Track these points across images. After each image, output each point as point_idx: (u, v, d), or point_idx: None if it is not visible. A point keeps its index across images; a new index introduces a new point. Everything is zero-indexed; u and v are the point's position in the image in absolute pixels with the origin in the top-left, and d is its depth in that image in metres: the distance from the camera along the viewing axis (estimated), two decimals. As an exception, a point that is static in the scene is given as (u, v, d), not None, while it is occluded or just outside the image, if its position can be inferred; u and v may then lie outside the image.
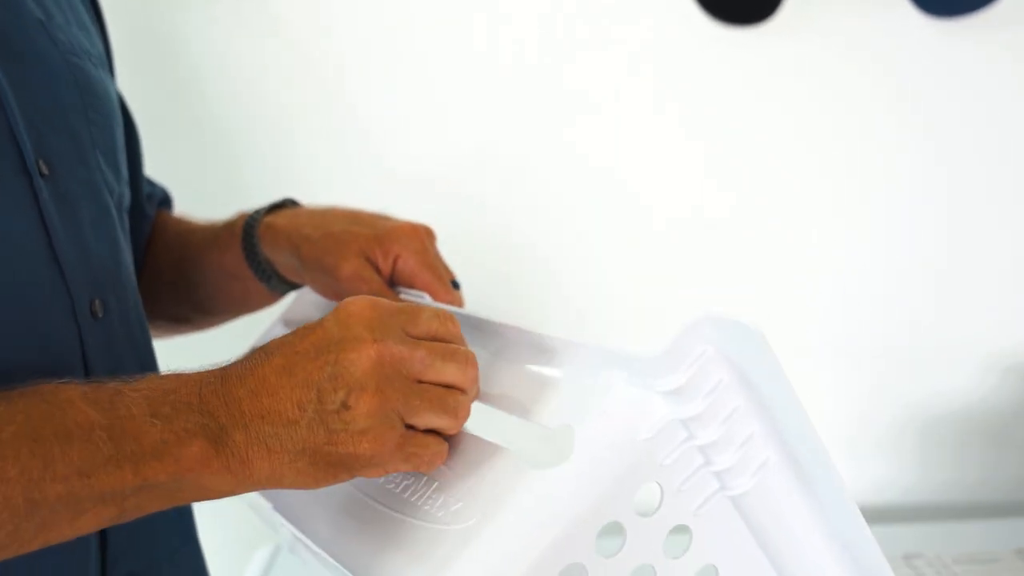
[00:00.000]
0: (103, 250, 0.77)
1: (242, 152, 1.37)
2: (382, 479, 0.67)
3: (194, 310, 1.01)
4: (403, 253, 0.83)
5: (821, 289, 1.41)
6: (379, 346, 0.60)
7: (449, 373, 0.63)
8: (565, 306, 1.40)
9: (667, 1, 1.33)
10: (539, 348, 0.67)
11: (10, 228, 0.68)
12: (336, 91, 1.35)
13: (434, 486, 0.64)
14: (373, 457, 0.60)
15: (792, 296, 1.41)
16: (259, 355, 0.62)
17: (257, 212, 0.92)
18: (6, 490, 0.55)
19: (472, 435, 0.65)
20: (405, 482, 0.66)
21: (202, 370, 0.62)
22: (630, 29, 1.34)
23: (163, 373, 0.63)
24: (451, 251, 1.32)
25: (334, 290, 0.85)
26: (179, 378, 0.61)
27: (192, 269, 0.96)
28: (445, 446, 0.63)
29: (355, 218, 0.88)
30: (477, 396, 0.66)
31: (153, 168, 1.01)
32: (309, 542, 0.69)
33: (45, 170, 0.72)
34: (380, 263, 0.83)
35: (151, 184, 1.02)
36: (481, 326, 0.74)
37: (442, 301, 0.82)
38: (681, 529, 0.61)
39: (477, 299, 1.41)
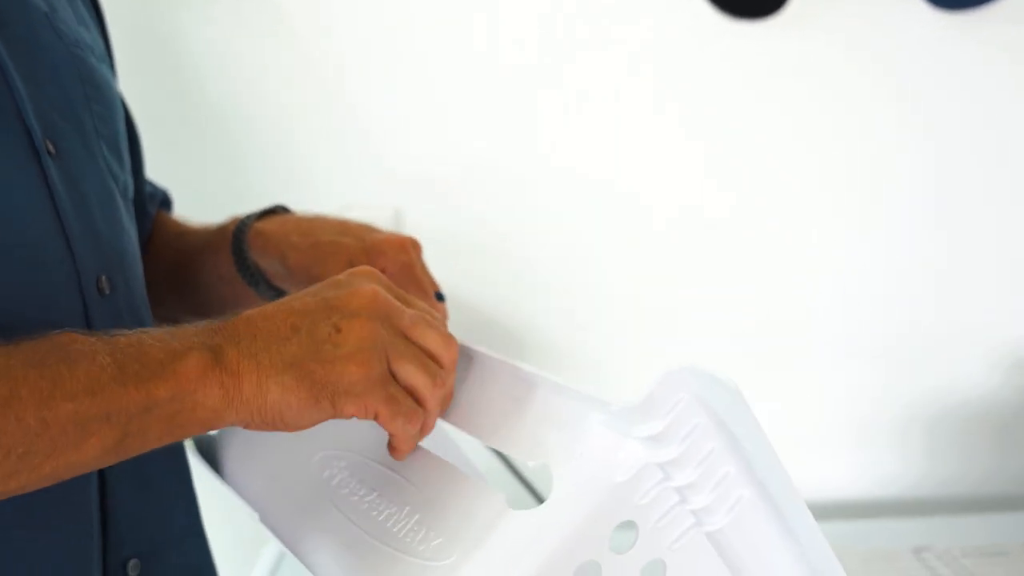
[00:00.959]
0: (109, 230, 0.78)
1: (242, 152, 1.38)
2: (365, 504, 0.68)
3: (187, 313, 1.00)
4: (389, 266, 0.84)
5: (825, 286, 1.41)
6: (375, 288, 0.65)
7: (432, 340, 0.66)
8: (564, 305, 1.41)
9: (668, 1, 1.33)
10: (522, 383, 0.69)
11: (19, 202, 0.70)
12: (336, 91, 1.36)
13: (415, 518, 0.65)
14: (357, 383, 0.62)
15: (795, 294, 1.41)
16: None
17: (248, 217, 0.93)
18: (18, 409, 0.57)
19: (451, 467, 0.67)
20: (388, 510, 0.67)
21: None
22: (630, 29, 1.34)
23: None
24: (449, 250, 1.34)
25: None
26: (179, 326, 0.65)
27: (185, 272, 0.98)
28: (421, 414, 0.65)
29: (343, 228, 0.89)
30: (451, 388, 0.68)
31: (152, 168, 1.02)
32: (292, 555, 0.71)
33: (52, 150, 0.73)
34: None
35: (152, 185, 1.02)
36: (468, 354, 0.74)
37: None
38: (656, 564, 0.63)
39: (477, 299, 1.43)
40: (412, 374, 0.64)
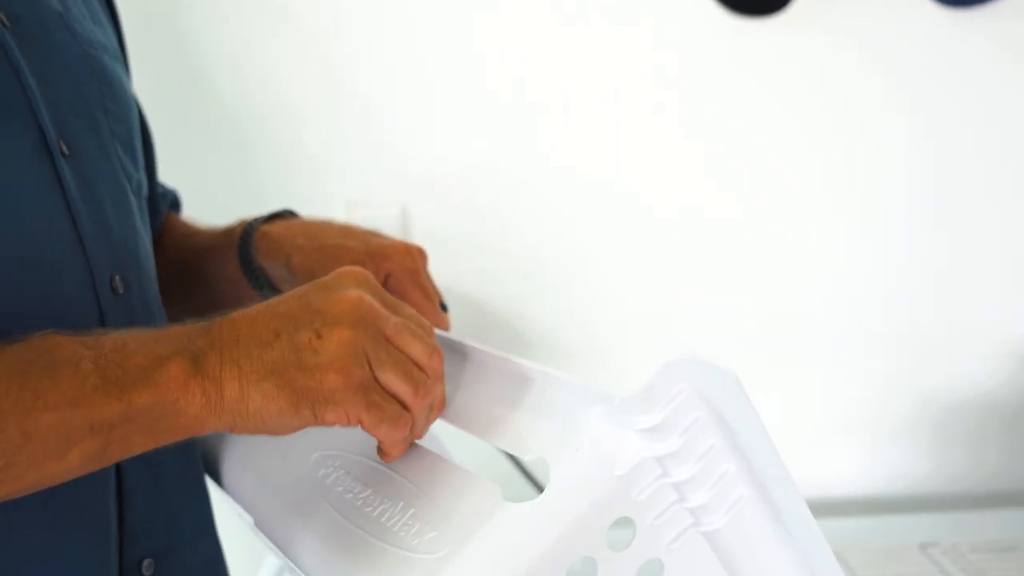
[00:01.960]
0: (122, 230, 0.78)
1: (247, 151, 1.38)
2: (359, 501, 0.68)
3: (191, 313, 1.00)
4: (395, 271, 0.85)
5: (828, 285, 1.41)
6: (360, 293, 0.64)
7: (415, 349, 0.65)
8: (567, 304, 1.41)
9: (669, 1, 1.32)
10: (519, 378, 0.68)
11: (33, 203, 0.70)
12: (342, 90, 1.35)
13: (410, 512, 0.64)
14: (337, 391, 0.61)
15: (797, 293, 1.41)
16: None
17: (255, 220, 0.93)
18: (1, 422, 0.57)
19: (447, 462, 0.66)
20: (382, 506, 0.67)
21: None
22: (633, 28, 1.34)
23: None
24: (454, 249, 1.34)
25: None
26: (165, 327, 0.65)
27: (192, 273, 0.98)
28: (407, 419, 0.64)
29: (348, 233, 0.89)
30: (441, 397, 0.67)
31: (159, 166, 1.02)
32: (285, 558, 0.71)
33: (66, 150, 0.73)
34: None
35: (163, 186, 1.03)
36: (465, 352, 0.74)
37: (430, 321, 0.82)
38: (654, 563, 0.62)
39: (481, 296, 1.43)
40: (394, 381, 0.63)
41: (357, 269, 0.67)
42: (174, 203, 1.05)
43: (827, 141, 1.37)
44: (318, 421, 0.62)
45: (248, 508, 0.78)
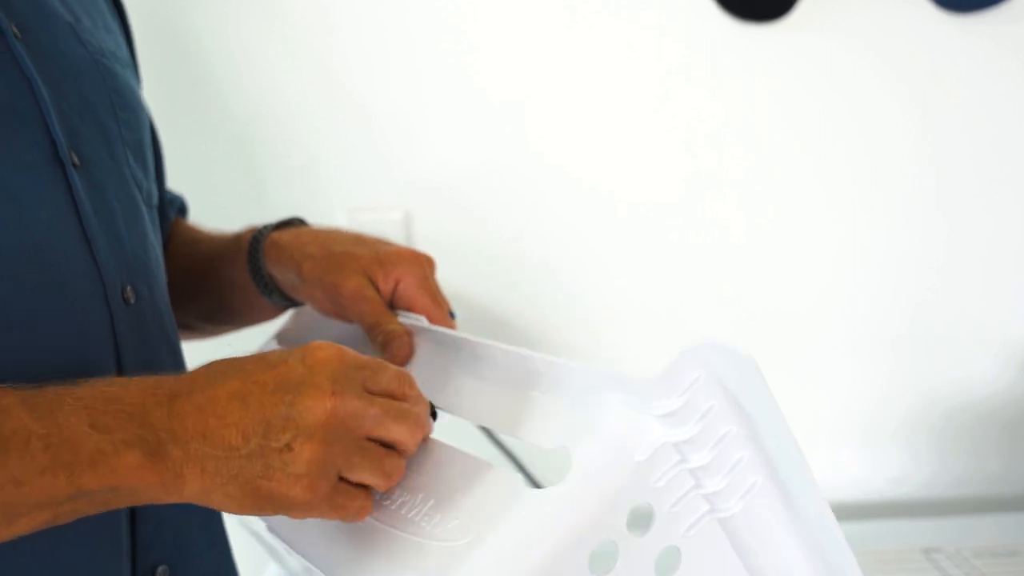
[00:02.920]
0: (133, 240, 0.78)
1: (251, 154, 1.38)
2: (378, 495, 0.68)
3: (198, 318, 1.02)
4: (404, 277, 0.85)
5: (832, 286, 1.40)
6: (336, 400, 0.61)
7: (396, 433, 0.64)
8: (570, 307, 1.41)
9: (670, 1, 1.33)
10: (535, 371, 0.69)
11: (44, 215, 0.70)
12: (346, 93, 1.35)
13: (430, 503, 0.65)
14: (303, 503, 0.62)
15: (802, 295, 1.40)
16: (214, 373, 0.63)
17: (264, 228, 0.94)
18: None
19: (467, 453, 0.67)
20: (401, 498, 0.67)
21: (150, 378, 0.63)
22: (638, 33, 1.34)
23: (108, 379, 0.63)
24: (458, 253, 1.34)
25: (334, 308, 0.86)
26: (124, 387, 0.62)
27: (199, 278, 0.98)
28: (371, 500, 0.65)
29: (358, 240, 0.89)
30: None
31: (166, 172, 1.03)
32: (301, 558, 0.71)
33: (77, 161, 0.73)
34: (381, 284, 0.85)
35: (170, 192, 1.03)
36: (477, 350, 0.75)
37: (439, 325, 0.83)
38: (671, 551, 0.63)
39: (486, 300, 1.43)
40: (365, 479, 0.64)
41: (329, 349, 0.64)
42: (181, 209, 1.06)
43: (829, 144, 1.37)
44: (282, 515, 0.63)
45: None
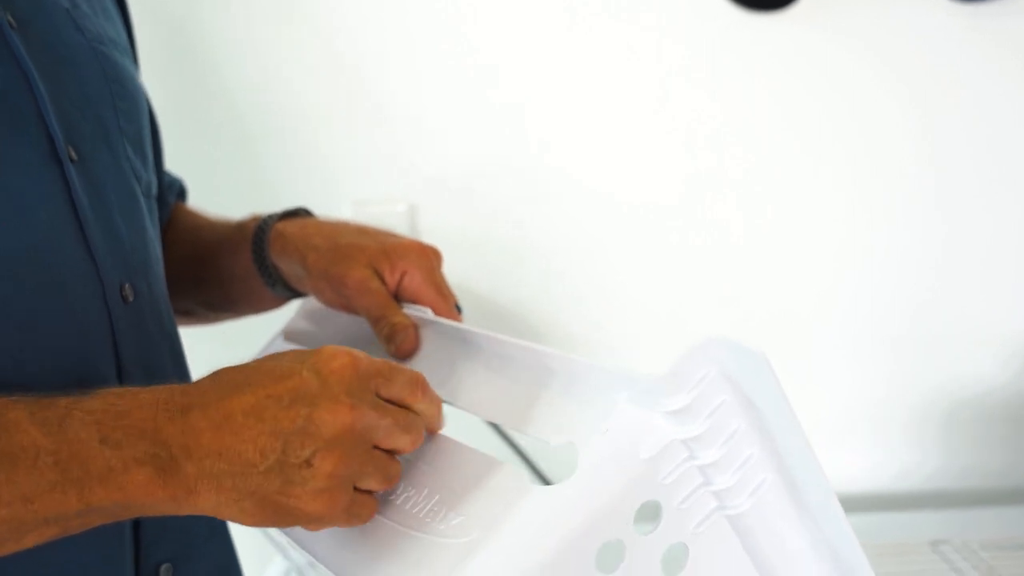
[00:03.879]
0: (132, 236, 0.78)
1: (257, 146, 1.38)
2: (382, 491, 0.68)
3: (199, 305, 1.01)
4: (410, 269, 0.84)
5: (837, 282, 1.41)
6: (354, 413, 0.60)
7: (402, 443, 0.64)
8: (574, 301, 1.41)
9: (670, 3, 1.33)
10: (542, 365, 0.68)
11: (42, 214, 0.69)
12: (352, 86, 1.35)
13: (435, 499, 0.64)
14: (321, 516, 0.61)
15: (807, 291, 1.41)
16: (225, 384, 0.61)
17: (269, 218, 0.93)
18: None
19: (475, 450, 0.66)
20: (405, 494, 0.67)
21: (161, 389, 0.61)
22: (643, 30, 1.34)
23: (118, 390, 0.62)
24: (463, 246, 1.33)
25: (339, 300, 0.86)
26: (135, 399, 0.60)
27: (201, 265, 0.97)
28: (376, 503, 0.65)
29: (363, 232, 0.88)
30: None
31: (168, 161, 1.02)
32: (306, 553, 0.70)
33: (75, 156, 0.73)
34: (387, 276, 0.84)
35: (169, 176, 1.02)
36: (483, 343, 0.74)
37: (445, 318, 0.83)
38: (679, 548, 0.62)
39: (491, 293, 1.43)
40: (372, 486, 0.63)
41: (343, 358, 0.62)
42: (181, 192, 1.04)
43: (829, 144, 1.37)
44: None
45: None
